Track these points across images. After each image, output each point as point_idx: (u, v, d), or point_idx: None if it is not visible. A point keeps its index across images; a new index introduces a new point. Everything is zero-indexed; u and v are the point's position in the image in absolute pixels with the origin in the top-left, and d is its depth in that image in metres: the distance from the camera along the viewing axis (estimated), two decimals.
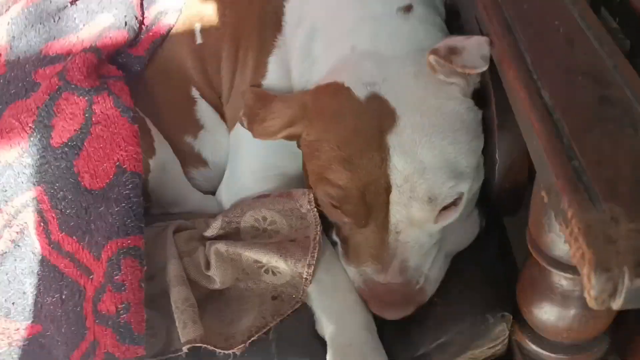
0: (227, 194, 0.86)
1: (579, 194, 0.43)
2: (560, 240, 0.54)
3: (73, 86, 0.69)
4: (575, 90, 0.51)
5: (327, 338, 0.69)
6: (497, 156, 0.67)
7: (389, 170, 0.65)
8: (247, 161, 0.84)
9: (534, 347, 0.66)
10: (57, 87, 0.69)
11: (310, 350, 0.70)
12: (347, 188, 0.66)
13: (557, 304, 0.60)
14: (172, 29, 0.86)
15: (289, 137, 0.73)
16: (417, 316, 0.70)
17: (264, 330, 0.70)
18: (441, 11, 0.81)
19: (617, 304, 0.42)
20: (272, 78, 0.81)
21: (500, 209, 0.75)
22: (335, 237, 0.75)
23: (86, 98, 0.69)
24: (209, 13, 0.87)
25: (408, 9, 0.75)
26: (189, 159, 0.89)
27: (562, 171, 0.45)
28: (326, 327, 0.70)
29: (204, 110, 0.88)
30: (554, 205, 0.46)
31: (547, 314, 0.62)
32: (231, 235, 0.76)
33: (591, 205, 0.43)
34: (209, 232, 0.77)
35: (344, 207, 0.68)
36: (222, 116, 0.89)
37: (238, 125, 0.84)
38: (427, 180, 0.65)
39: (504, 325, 0.68)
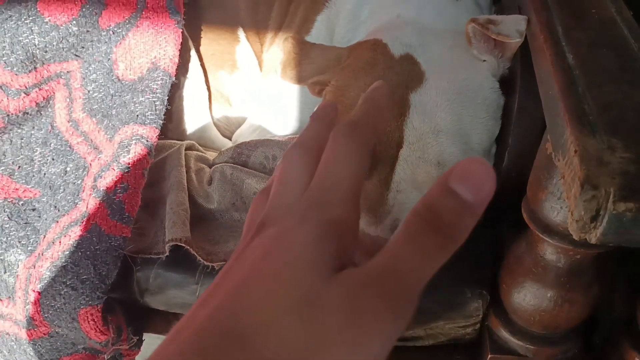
0: (243, 139, 0.88)
1: (582, 126, 0.45)
2: (554, 204, 0.55)
3: None
4: (598, 58, 0.53)
5: None
6: (509, 140, 0.69)
7: (405, 125, 0.67)
8: (270, 111, 0.87)
9: (504, 333, 0.66)
10: None
11: None
12: None
13: (537, 280, 0.61)
14: None
15: (318, 84, 0.75)
16: None
17: None
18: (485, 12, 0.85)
19: (597, 233, 0.43)
20: (316, 35, 0.85)
21: (503, 202, 0.76)
22: None
23: None
24: None
25: None
26: (217, 95, 0.91)
27: (571, 109, 0.47)
28: None
29: (245, 52, 0.91)
30: (558, 141, 0.48)
31: (525, 291, 0.62)
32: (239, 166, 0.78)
33: (592, 135, 0.44)
34: (219, 159, 0.79)
35: None
36: (260, 64, 0.92)
37: (272, 75, 0.87)
38: (440, 143, 0.66)
39: (480, 304, 0.68)
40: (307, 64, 0.76)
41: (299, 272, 0.30)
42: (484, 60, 0.70)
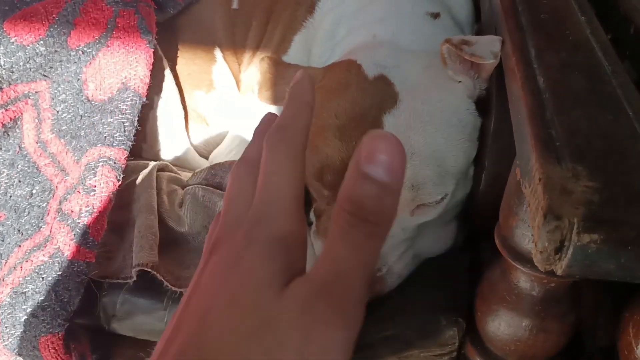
0: (220, 159, 0.87)
1: (547, 153, 0.44)
2: (525, 231, 0.53)
3: None
4: (568, 81, 0.52)
5: None
6: (486, 162, 0.67)
7: None
8: (248, 131, 0.86)
9: None
10: None
11: None
12: (332, 157, 0.66)
13: (511, 308, 0.59)
14: None
15: None
16: (371, 305, 0.68)
17: None
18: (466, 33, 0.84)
19: (562, 265, 0.41)
20: (293, 55, 0.84)
21: (478, 226, 0.74)
22: (312, 217, 0.75)
23: (113, 8, 0.72)
24: None
25: (436, 15, 0.78)
26: (193, 114, 0.90)
27: (538, 135, 0.46)
28: None
29: (222, 72, 0.90)
30: (524, 168, 0.47)
31: (499, 320, 0.60)
32: (212, 187, 0.76)
33: (556, 163, 0.43)
34: (192, 180, 0.77)
35: (325, 177, 0.67)
36: (238, 83, 0.91)
37: (249, 94, 0.86)
38: (413, 165, 0.65)
39: (455, 331, 0.66)
40: (283, 85, 0.75)
41: (253, 296, 0.31)
42: (460, 82, 0.68)
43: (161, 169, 0.78)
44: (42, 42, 0.70)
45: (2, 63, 0.69)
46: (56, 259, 0.62)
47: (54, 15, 0.71)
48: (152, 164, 0.79)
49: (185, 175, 0.82)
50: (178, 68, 0.88)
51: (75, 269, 0.62)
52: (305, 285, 0.31)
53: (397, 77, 0.68)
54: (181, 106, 0.87)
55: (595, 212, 0.39)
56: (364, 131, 0.65)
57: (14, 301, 0.62)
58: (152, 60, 0.73)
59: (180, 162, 0.87)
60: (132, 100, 0.70)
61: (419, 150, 0.65)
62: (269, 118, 0.44)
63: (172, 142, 0.86)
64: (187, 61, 0.89)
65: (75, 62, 0.71)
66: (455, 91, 0.68)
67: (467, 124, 0.68)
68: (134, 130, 0.70)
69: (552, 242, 0.40)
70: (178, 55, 0.88)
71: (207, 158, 0.91)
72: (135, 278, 0.67)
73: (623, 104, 0.49)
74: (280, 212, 0.34)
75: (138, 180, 0.75)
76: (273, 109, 0.78)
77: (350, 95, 0.68)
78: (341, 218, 0.31)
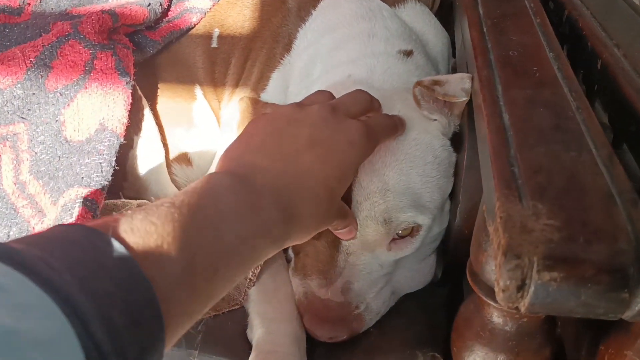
0: None
1: (509, 191, 0.44)
2: (494, 267, 0.53)
3: (82, 36, 0.73)
4: (533, 117, 0.52)
5: (254, 341, 0.67)
6: (460, 196, 0.68)
7: (353, 184, 0.66)
8: None
9: None
10: (66, 32, 0.73)
11: (233, 351, 0.68)
12: None
13: (486, 344, 0.58)
14: (193, 27, 0.92)
15: None
16: (348, 342, 0.68)
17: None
18: (441, 71, 0.85)
19: (525, 302, 0.41)
20: (271, 92, 0.85)
21: (455, 261, 0.74)
22: (290, 253, 0.75)
23: (91, 51, 0.73)
24: (230, 22, 0.93)
25: (408, 53, 0.79)
26: (174, 151, 0.91)
27: (501, 173, 0.46)
28: (256, 331, 0.68)
29: (202, 110, 0.91)
30: (489, 205, 0.47)
31: (474, 355, 0.60)
32: None
33: (517, 201, 0.43)
34: None
35: None
36: (218, 120, 0.92)
37: (228, 131, 0.86)
38: (387, 201, 0.65)
39: None
40: None
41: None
42: (435, 120, 0.69)
43: (140, 206, 0.78)
44: (19, 85, 0.71)
45: None
46: None
47: (31, 59, 0.72)
48: (131, 202, 0.79)
49: None
50: (158, 106, 0.89)
51: None
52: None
53: None
54: (161, 144, 0.88)
55: (555, 250, 0.39)
56: None
57: None
58: (130, 100, 0.74)
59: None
60: (109, 140, 0.70)
61: (393, 187, 0.65)
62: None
63: (152, 181, 0.87)
64: (167, 99, 0.90)
65: (54, 104, 0.71)
66: (429, 129, 0.69)
67: (443, 161, 0.69)
68: (111, 171, 0.70)
69: (513, 281, 0.40)
70: (158, 93, 0.89)
71: None
72: None
73: (586, 140, 0.49)
74: None
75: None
76: None
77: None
78: None
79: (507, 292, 0.41)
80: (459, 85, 0.65)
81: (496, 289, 0.42)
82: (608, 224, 0.41)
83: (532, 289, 0.40)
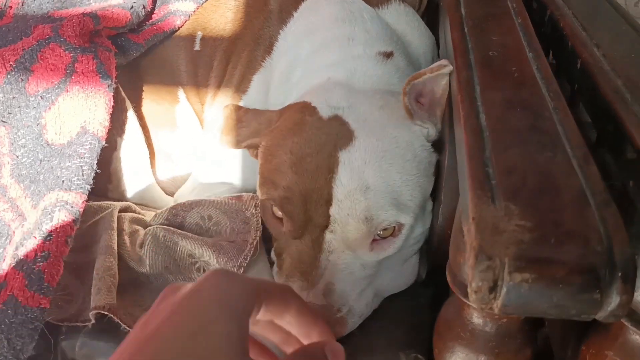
0: (184, 198, 0.87)
1: (482, 192, 0.44)
2: None
3: (62, 39, 0.73)
4: (510, 118, 0.52)
5: None
6: (442, 196, 0.68)
7: (333, 182, 0.66)
8: (210, 170, 0.86)
9: None
10: (47, 36, 0.73)
11: None
12: (290, 189, 0.67)
13: (467, 345, 0.58)
14: (176, 30, 0.92)
15: (251, 147, 0.75)
16: None
17: None
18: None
19: (498, 304, 0.41)
20: (252, 94, 0.86)
21: (438, 261, 0.74)
22: (273, 257, 0.75)
23: (72, 54, 0.72)
24: (212, 25, 0.93)
25: (389, 55, 0.79)
26: (159, 153, 0.91)
27: (475, 173, 0.46)
28: None
29: (185, 113, 0.91)
30: (464, 206, 0.47)
31: (455, 357, 0.59)
32: (174, 228, 0.76)
33: (490, 202, 0.43)
34: (154, 221, 0.77)
35: (285, 207, 0.67)
36: (201, 122, 0.92)
37: (210, 135, 0.87)
38: (367, 199, 0.65)
39: None
40: (241, 128, 0.76)
41: None
42: (421, 126, 0.70)
43: (124, 209, 0.78)
44: None
45: None
46: (9, 306, 0.62)
47: (11, 63, 0.71)
48: (114, 204, 0.79)
49: (149, 215, 0.82)
50: (142, 109, 0.89)
51: (28, 315, 0.62)
52: None
53: (351, 116, 0.69)
54: (145, 146, 0.87)
55: (526, 252, 0.39)
56: (320, 165, 0.66)
57: None
58: (112, 103, 0.73)
59: (146, 202, 0.87)
60: (90, 144, 0.70)
61: (373, 184, 0.65)
62: None
63: (137, 182, 0.87)
64: (151, 102, 0.90)
65: (35, 107, 0.71)
66: (410, 129, 0.69)
67: (422, 160, 0.69)
68: (92, 174, 0.70)
69: (485, 282, 0.40)
70: (142, 96, 0.89)
71: (173, 196, 0.92)
72: (93, 321, 0.66)
73: (562, 141, 0.49)
74: None
75: (99, 222, 0.75)
76: (234, 151, 0.80)
77: (306, 133, 0.69)
78: None
79: (480, 294, 0.41)
80: (437, 78, 0.66)
81: (469, 290, 0.42)
82: (580, 225, 0.41)
83: (504, 290, 0.40)
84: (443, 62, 0.66)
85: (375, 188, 0.65)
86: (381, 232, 0.67)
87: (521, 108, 0.53)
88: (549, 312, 0.40)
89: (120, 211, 0.77)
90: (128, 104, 0.84)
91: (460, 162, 0.52)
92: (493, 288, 0.40)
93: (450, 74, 0.66)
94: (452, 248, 0.56)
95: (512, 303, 0.40)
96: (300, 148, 0.67)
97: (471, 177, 0.46)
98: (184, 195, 0.88)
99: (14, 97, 0.71)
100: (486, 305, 0.41)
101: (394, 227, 0.67)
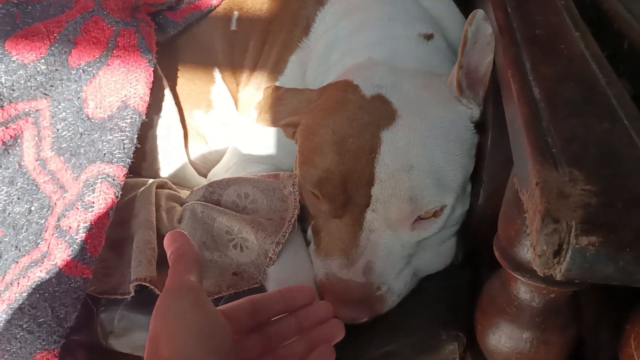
0: (218, 177, 0.87)
1: (544, 158, 0.44)
2: (524, 240, 0.53)
3: (105, 13, 0.73)
4: (563, 91, 0.52)
5: None
6: (484, 175, 0.68)
7: (376, 162, 0.65)
8: (246, 150, 0.86)
9: None
10: (90, 9, 0.73)
11: None
12: (331, 171, 0.66)
13: (511, 320, 0.58)
14: (213, 9, 0.92)
15: (289, 125, 0.75)
16: (371, 321, 0.68)
17: (215, 297, 0.69)
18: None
19: (561, 269, 0.41)
20: (289, 75, 0.85)
21: (478, 241, 0.74)
22: (309, 236, 0.75)
23: (114, 28, 0.73)
24: (249, 5, 0.93)
25: (429, 37, 0.79)
26: (193, 133, 0.91)
27: (534, 142, 0.46)
28: None
29: (220, 92, 0.91)
30: (522, 175, 0.47)
31: (500, 332, 0.60)
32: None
33: (554, 168, 0.43)
34: (190, 198, 0.77)
35: (324, 189, 0.67)
36: (236, 102, 0.92)
37: (246, 114, 0.87)
38: (412, 179, 0.65)
39: (455, 346, 0.65)
40: (280, 107, 0.76)
41: None
42: (471, 108, 0.70)
43: (160, 186, 0.79)
44: (43, 60, 0.71)
45: (3, 81, 0.70)
46: (53, 275, 0.62)
47: (55, 35, 0.72)
48: (151, 180, 0.79)
49: (184, 193, 0.82)
50: (178, 88, 0.89)
51: (72, 284, 0.62)
52: None
53: (394, 95, 0.69)
54: (180, 125, 0.88)
55: (593, 215, 0.39)
56: (362, 145, 0.66)
57: (10, 317, 0.61)
58: (152, 78, 0.74)
59: (178, 180, 0.87)
60: (131, 118, 0.70)
61: (417, 164, 0.65)
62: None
63: (171, 161, 0.87)
64: (186, 81, 0.90)
65: (76, 81, 0.71)
66: (454, 108, 0.69)
67: (466, 140, 0.69)
68: (133, 148, 0.70)
69: (550, 245, 0.40)
70: (178, 75, 0.89)
71: (205, 176, 0.92)
72: (133, 294, 0.66)
73: (619, 113, 0.49)
74: None
75: (137, 197, 0.75)
76: (270, 132, 0.80)
77: (348, 112, 0.68)
78: None
79: (544, 258, 0.41)
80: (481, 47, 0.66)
81: (532, 255, 0.42)
82: None
83: (569, 253, 0.40)
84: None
85: (419, 168, 0.65)
86: (423, 213, 0.67)
87: (574, 82, 0.53)
88: (613, 277, 0.40)
89: (157, 187, 0.77)
90: (165, 82, 0.84)
91: (514, 134, 0.52)
92: (558, 252, 0.40)
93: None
94: (502, 221, 0.56)
95: (576, 267, 0.40)
96: (343, 128, 0.67)
97: (531, 145, 0.46)
98: (218, 174, 0.88)
99: (56, 70, 0.71)
100: (549, 269, 0.41)
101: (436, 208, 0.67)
